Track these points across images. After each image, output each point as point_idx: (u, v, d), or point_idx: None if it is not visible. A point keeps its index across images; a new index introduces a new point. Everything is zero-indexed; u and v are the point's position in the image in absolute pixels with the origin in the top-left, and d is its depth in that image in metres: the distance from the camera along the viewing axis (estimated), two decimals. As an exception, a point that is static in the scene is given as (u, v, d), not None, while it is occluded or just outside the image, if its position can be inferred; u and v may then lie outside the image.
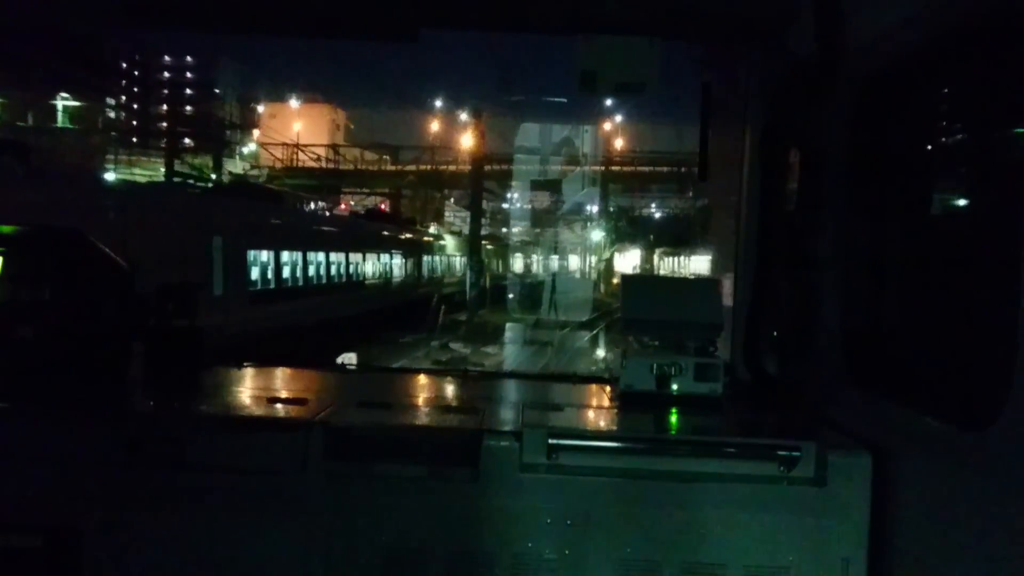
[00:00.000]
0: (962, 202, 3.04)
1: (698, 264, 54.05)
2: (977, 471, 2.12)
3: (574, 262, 67.97)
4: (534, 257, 76.79)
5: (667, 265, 65.40)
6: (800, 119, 3.27)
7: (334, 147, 56.96)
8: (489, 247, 62.80)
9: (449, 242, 51.97)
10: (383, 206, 53.52)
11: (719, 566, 2.59)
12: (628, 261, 71.47)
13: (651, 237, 64.91)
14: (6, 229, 3.22)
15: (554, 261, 77.24)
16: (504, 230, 79.01)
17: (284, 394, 3.33)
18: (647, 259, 66.88)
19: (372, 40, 4.04)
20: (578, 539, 2.62)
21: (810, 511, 2.58)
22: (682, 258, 63.15)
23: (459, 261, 50.91)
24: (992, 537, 2.05)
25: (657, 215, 67.59)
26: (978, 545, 2.11)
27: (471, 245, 39.97)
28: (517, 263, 72.30)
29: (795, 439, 2.63)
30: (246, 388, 3.52)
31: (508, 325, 34.40)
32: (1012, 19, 2.20)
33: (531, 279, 58.79)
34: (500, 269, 65.81)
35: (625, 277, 3.81)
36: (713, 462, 2.64)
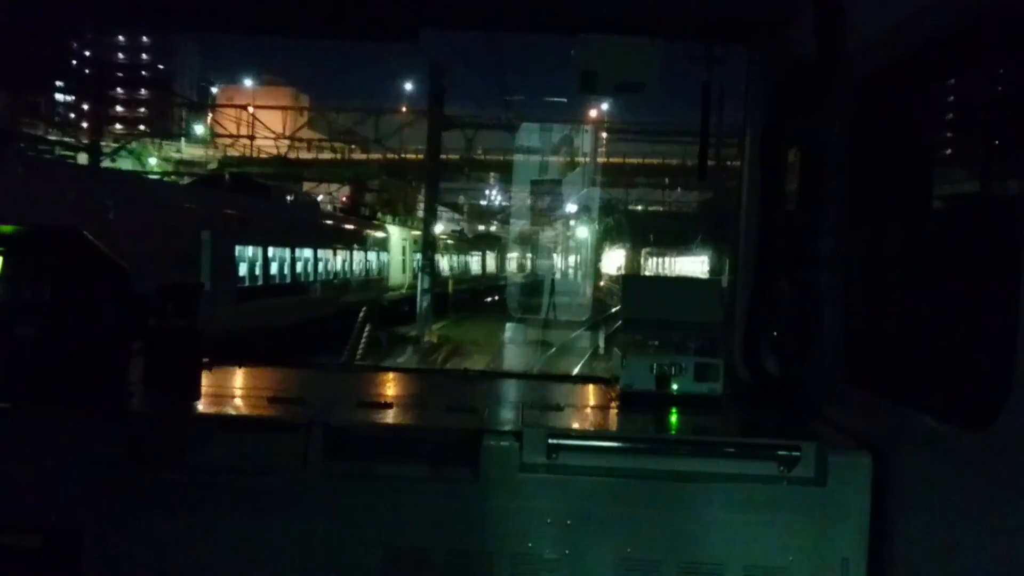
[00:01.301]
0: (962, 202, 3.06)
1: (691, 265, 52.53)
2: (977, 471, 2.12)
3: (557, 263, 64.14)
4: (512, 256, 71.79)
5: (654, 267, 63.37)
6: (800, 119, 3.26)
7: (244, 108, 51.84)
8: (455, 243, 56.21)
9: (406, 237, 41.68)
10: (344, 198, 48.47)
11: (719, 566, 2.59)
12: (615, 262, 68.78)
13: (650, 236, 63.18)
14: (6, 229, 3.22)
15: (531, 261, 73.52)
16: (478, 226, 75.11)
17: (284, 394, 3.33)
18: (635, 260, 64.69)
19: (372, 40, 4.04)
20: (578, 539, 2.61)
21: (810, 511, 2.58)
22: (671, 259, 61.11)
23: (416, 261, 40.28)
24: (992, 537, 2.05)
25: (650, 210, 64.29)
26: (978, 545, 2.11)
27: (424, 240, 31.62)
28: (490, 263, 65.74)
29: (795, 439, 2.63)
30: (246, 388, 3.52)
31: (473, 343, 27.79)
32: (1012, 19, 2.20)
33: (508, 281, 53.60)
34: (470, 270, 58.71)
35: (625, 277, 3.83)
36: (713, 462, 2.64)
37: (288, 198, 31.33)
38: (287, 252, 26.52)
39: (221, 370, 3.70)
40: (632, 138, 48.92)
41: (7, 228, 3.22)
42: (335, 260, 31.78)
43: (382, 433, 2.81)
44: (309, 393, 3.34)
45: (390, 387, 3.82)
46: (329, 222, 34.51)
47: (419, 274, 31.35)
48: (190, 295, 3.40)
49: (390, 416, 2.99)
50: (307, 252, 28.34)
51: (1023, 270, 1.90)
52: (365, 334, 24.53)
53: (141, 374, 3.30)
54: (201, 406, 3.18)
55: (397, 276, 39.39)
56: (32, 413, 2.78)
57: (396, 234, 40.73)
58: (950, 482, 2.25)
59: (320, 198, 47.11)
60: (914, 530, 2.43)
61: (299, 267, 27.62)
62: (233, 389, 3.46)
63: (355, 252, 34.43)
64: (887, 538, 2.53)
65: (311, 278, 28.74)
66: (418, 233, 39.72)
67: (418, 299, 29.83)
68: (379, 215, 44.05)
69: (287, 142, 51.19)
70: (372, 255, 36.77)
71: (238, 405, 3.22)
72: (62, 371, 3.06)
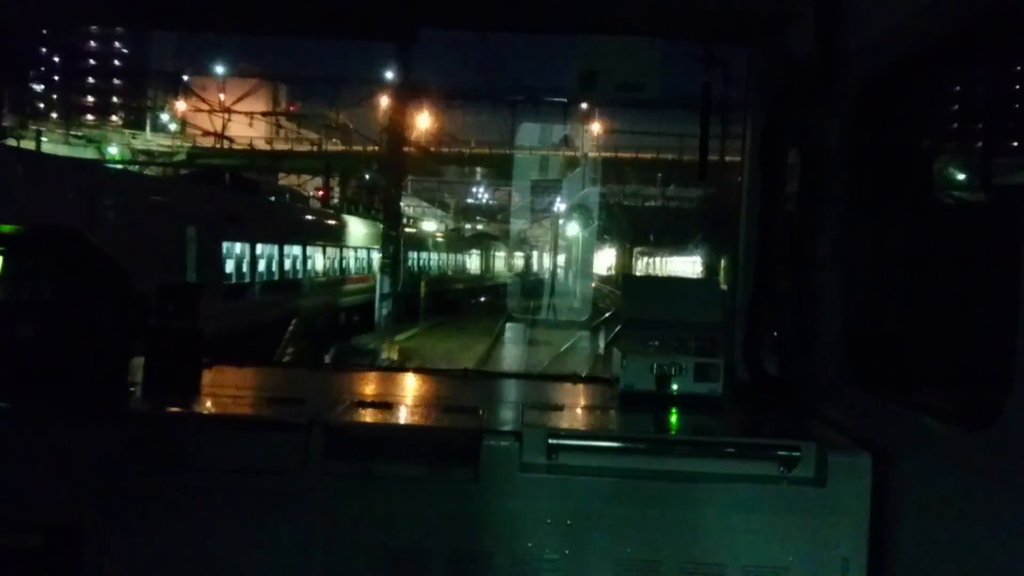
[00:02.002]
0: (962, 202, 3.07)
1: (689, 265, 51.82)
2: (977, 471, 2.12)
3: (546, 262, 60.96)
4: (500, 255, 69.10)
5: (646, 267, 62.09)
6: (800, 119, 3.27)
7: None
8: (441, 240, 53.43)
9: (362, 229, 37.25)
10: (320, 191, 46.39)
11: (719, 566, 2.60)
12: (605, 261, 67.28)
13: (649, 236, 62.25)
14: (6, 229, 3.21)
15: (523, 260, 71.38)
16: (465, 224, 72.28)
17: (284, 394, 3.32)
18: (627, 259, 63.38)
19: (370, 40, 4.05)
20: (578, 539, 2.62)
21: (810, 511, 2.58)
22: (667, 258, 60.02)
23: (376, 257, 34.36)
24: (992, 537, 2.06)
25: (646, 205, 60.69)
26: (978, 545, 2.12)
27: (386, 234, 27.29)
28: (478, 261, 62.13)
29: (795, 439, 2.63)
30: (246, 388, 3.52)
31: (444, 356, 23.46)
32: (1011, 20, 2.21)
33: (495, 282, 51.92)
34: (454, 269, 54.86)
35: (625, 277, 3.84)
36: (713, 462, 2.64)
37: (282, 192, 30.75)
38: (275, 249, 25.91)
39: (221, 370, 3.69)
40: (629, 131, 48.08)
41: (7, 228, 3.21)
42: (325, 257, 30.91)
43: (382, 433, 2.81)
44: (309, 393, 3.34)
45: (390, 387, 3.82)
46: (313, 217, 33.55)
47: (379, 275, 27.65)
48: (190, 295, 3.40)
49: (390, 416, 2.99)
50: (296, 249, 27.68)
51: (1023, 270, 1.91)
52: (290, 349, 22.17)
53: (141, 374, 3.29)
54: (201, 406, 3.17)
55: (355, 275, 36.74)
56: (32, 413, 2.77)
57: (366, 230, 37.97)
58: (950, 482, 2.25)
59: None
60: (914, 530, 2.44)
61: (288, 264, 26.98)
62: (233, 389, 3.45)
63: (345, 249, 33.63)
64: (887, 538, 2.54)
65: (300, 275, 27.88)
66: (412, 230, 38.54)
67: (376, 305, 26.06)
68: (372, 211, 42.79)
69: (263, 133, 50.13)
70: (363, 253, 35.99)
71: (238, 405, 3.21)
72: (62, 371, 3.05)
